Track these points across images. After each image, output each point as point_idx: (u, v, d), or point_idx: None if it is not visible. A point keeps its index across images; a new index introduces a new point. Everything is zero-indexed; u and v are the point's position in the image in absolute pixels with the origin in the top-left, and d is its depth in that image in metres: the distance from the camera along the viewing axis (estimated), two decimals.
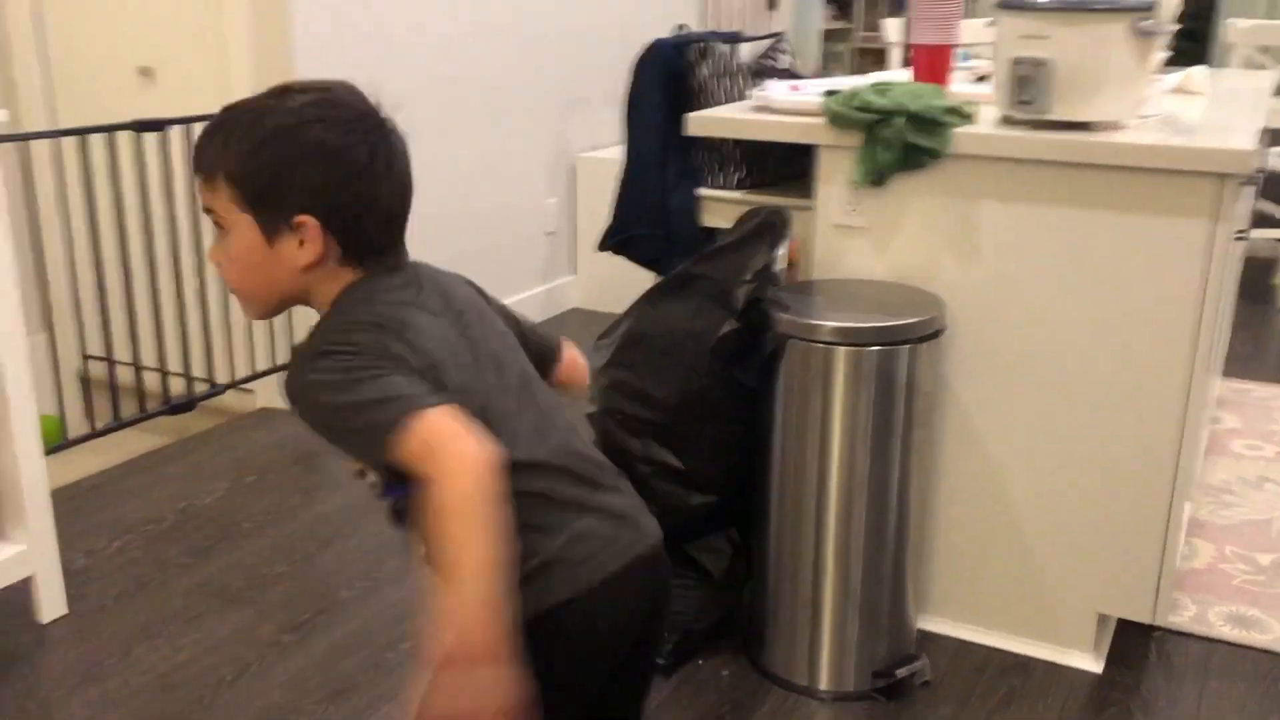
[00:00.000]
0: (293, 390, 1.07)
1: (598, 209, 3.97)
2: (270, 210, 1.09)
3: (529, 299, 3.98)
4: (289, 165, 1.08)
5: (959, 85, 2.20)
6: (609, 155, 4.05)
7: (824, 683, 1.94)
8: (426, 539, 1.01)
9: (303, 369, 1.07)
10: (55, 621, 2.13)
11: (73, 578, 2.22)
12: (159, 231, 2.88)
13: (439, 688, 0.95)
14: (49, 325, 2.80)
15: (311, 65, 2.93)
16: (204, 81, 3.00)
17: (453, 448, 0.98)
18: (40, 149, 3.15)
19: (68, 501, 2.55)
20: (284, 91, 1.12)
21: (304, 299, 1.15)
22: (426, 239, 3.90)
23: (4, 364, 1.95)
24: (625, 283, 3.56)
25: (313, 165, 1.09)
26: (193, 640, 2.08)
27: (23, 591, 2.11)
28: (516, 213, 3.86)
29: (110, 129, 2.65)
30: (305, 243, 1.10)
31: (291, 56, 2.89)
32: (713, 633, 2.07)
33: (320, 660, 2.02)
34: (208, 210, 1.12)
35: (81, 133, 2.65)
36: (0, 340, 1.94)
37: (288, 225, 1.10)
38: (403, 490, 1.04)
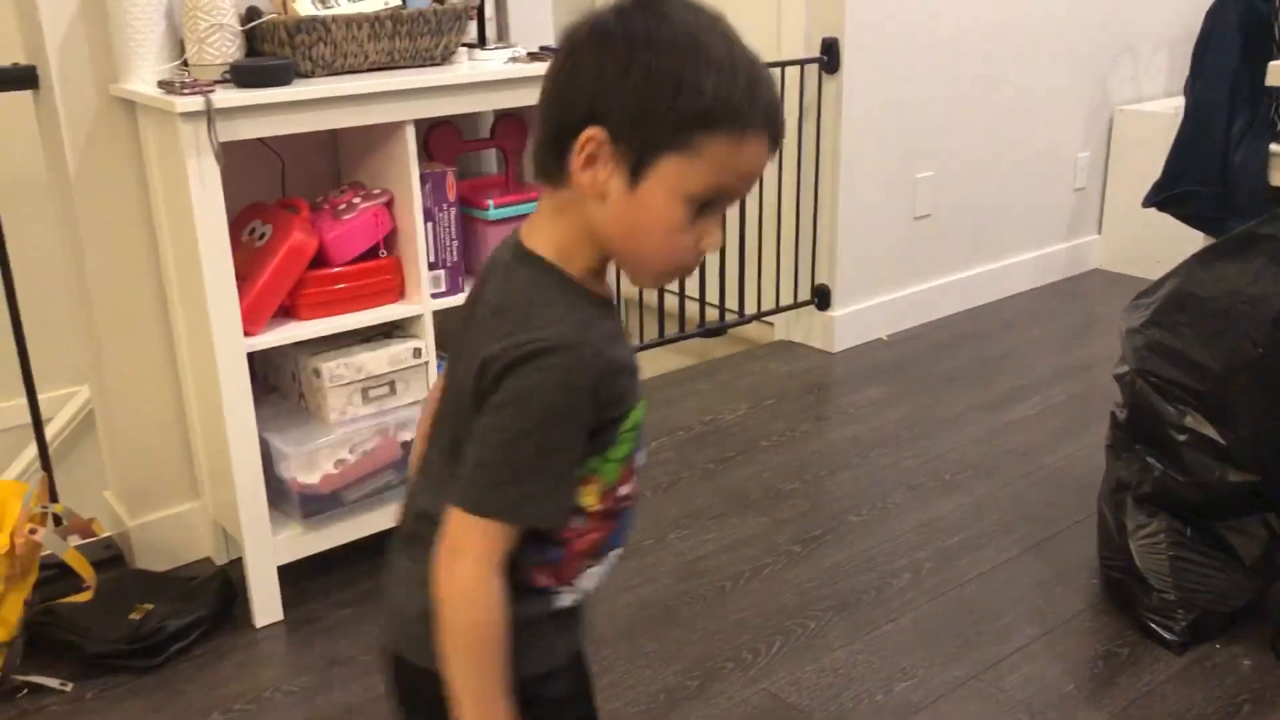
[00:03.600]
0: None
1: (1133, 166, 3.76)
2: None
3: (1049, 255, 3.87)
4: None
5: None
6: (1153, 109, 3.80)
7: None
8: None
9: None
10: None
11: None
12: None
13: None
14: None
15: (862, 8, 3.04)
16: (764, 26, 3.22)
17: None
18: None
19: None
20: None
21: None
22: (960, 179, 3.89)
23: None
24: (1156, 246, 3.37)
25: None
26: (715, 536, 2.32)
27: None
28: (1046, 164, 3.75)
29: None
30: None
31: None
32: (1234, 619, 1.95)
33: (826, 574, 2.18)
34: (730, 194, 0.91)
35: None
36: None
37: None
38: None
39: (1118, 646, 1.95)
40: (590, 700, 1.12)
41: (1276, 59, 2.06)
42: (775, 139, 0.90)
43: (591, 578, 1.01)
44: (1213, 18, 2.23)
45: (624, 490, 0.99)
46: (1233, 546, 1.93)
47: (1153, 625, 1.94)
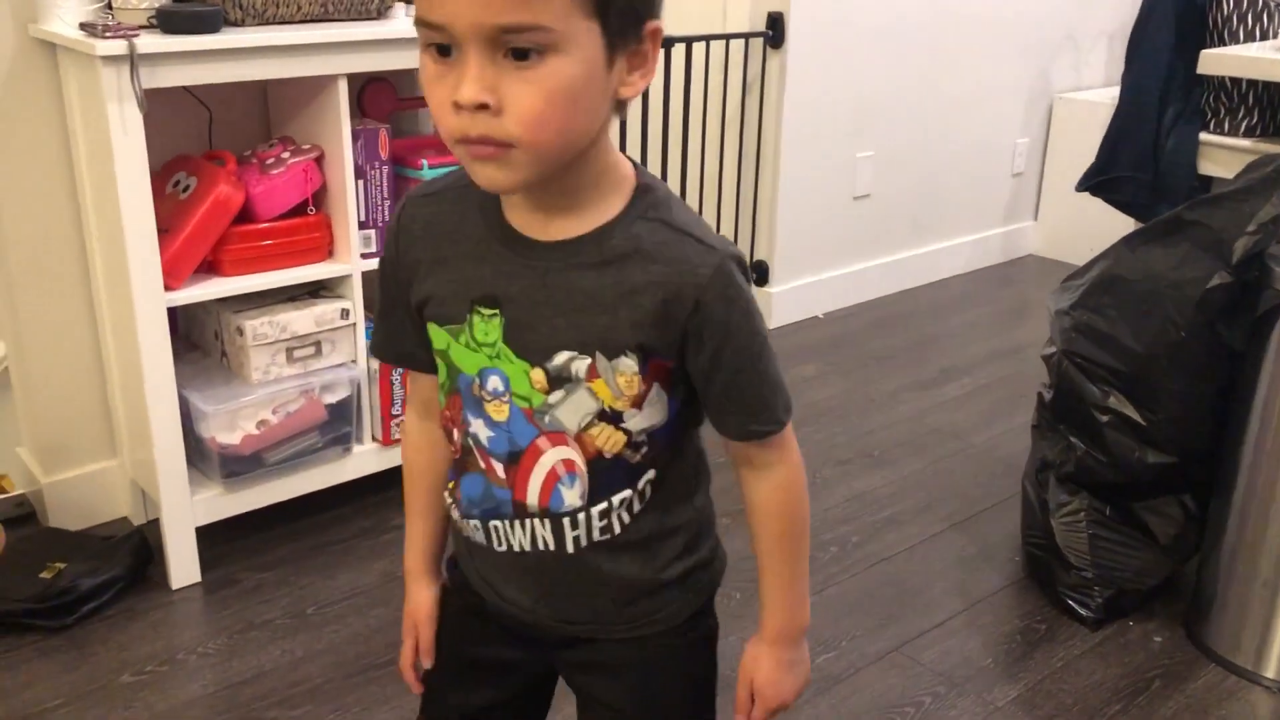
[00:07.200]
0: (738, 300, 0.88)
1: (1070, 153, 3.80)
2: (623, 15, 0.79)
3: (985, 240, 3.91)
4: None
5: None
6: (1091, 97, 3.85)
7: (1272, 670, 1.81)
8: (762, 515, 0.98)
9: (740, 283, 0.88)
10: None
11: None
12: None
13: (799, 662, 1.03)
14: None
15: None
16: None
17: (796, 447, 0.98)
18: None
19: None
20: None
21: (576, 156, 0.83)
22: (901, 160, 3.89)
23: None
24: (1090, 233, 3.41)
25: None
26: None
27: None
28: (986, 149, 3.78)
29: None
30: (648, 64, 0.82)
31: None
32: (1148, 596, 1.99)
33: None
34: (515, 29, 0.75)
35: None
36: None
37: (636, 36, 0.80)
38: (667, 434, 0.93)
39: (1036, 622, 1.98)
40: (455, 634, 1.08)
41: (1210, 48, 2.10)
42: None
43: (460, 500, 0.97)
44: (1149, 6, 2.26)
45: (449, 414, 0.95)
46: (1149, 526, 1.97)
47: (1070, 602, 1.97)
